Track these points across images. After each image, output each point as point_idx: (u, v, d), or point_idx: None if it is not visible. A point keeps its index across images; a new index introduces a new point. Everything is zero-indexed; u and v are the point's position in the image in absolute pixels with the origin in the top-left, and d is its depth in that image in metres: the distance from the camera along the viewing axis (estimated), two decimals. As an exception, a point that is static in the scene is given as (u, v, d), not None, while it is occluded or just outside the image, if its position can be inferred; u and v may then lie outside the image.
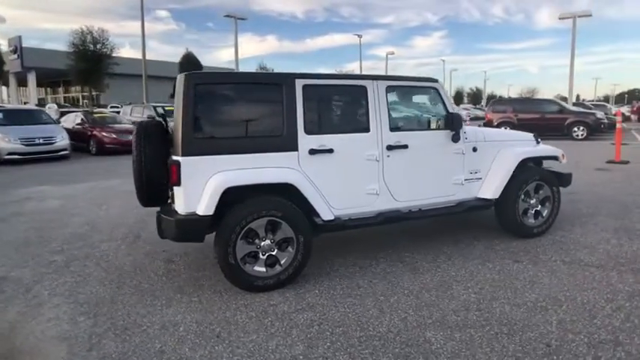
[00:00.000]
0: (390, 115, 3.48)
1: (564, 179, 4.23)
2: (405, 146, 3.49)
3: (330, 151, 3.24)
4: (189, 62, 26.26)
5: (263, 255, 3.10)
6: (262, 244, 3.08)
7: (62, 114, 15.82)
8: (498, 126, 16.10)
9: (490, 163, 3.93)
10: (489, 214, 4.20)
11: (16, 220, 5.23)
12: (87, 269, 3.64)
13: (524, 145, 4.19)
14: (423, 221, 4.53)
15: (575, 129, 15.39)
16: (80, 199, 6.44)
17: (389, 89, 3.50)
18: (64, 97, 44.18)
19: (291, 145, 3.15)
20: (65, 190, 7.24)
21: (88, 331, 2.61)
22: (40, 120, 12.06)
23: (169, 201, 3.39)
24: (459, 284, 3.14)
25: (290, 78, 3.19)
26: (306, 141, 3.19)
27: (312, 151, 3.20)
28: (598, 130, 15.45)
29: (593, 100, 41.03)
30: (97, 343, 2.48)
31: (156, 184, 3.24)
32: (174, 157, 2.95)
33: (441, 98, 3.74)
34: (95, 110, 17.81)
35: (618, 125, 9.32)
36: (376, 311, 2.77)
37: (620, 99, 73.74)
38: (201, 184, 2.95)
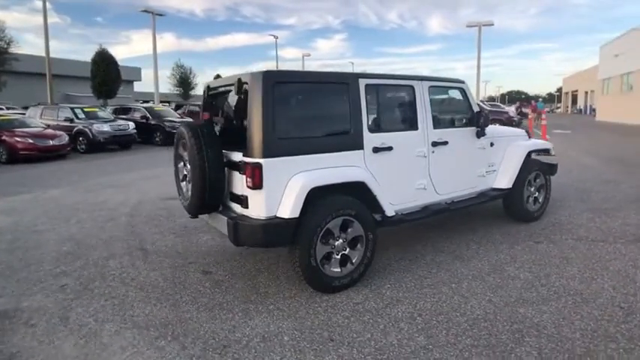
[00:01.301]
0: (432, 113, 3.72)
1: (554, 169, 4.94)
2: (446, 142, 3.77)
3: (390, 148, 3.36)
4: (104, 60, 23.51)
5: (337, 255, 3.10)
6: (336, 243, 3.08)
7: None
8: None
9: (502, 157, 4.42)
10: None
11: (-31, 243, 4.33)
12: (116, 290, 3.23)
13: (522, 139, 4.78)
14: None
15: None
16: (32, 214, 5.54)
17: (430, 89, 3.75)
18: None
19: (358, 144, 3.20)
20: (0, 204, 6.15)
21: (186, 355, 2.37)
22: None
23: (220, 208, 3.21)
24: (509, 266, 3.51)
25: (354, 77, 3.24)
26: (370, 139, 3.26)
27: (375, 149, 3.28)
28: (510, 126, 17.82)
29: (483, 101, 46.85)
30: (205, 365, 2.27)
31: (217, 189, 3.03)
32: (251, 159, 2.80)
33: (467, 97, 4.11)
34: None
35: (544, 122, 10.93)
36: (459, 297, 2.98)
37: (502, 99, 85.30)
38: (281, 187, 2.85)
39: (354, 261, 3.15)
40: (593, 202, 5.58)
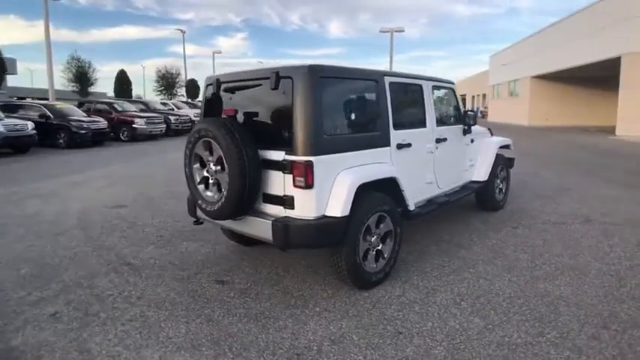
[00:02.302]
0: (435, 112, 3.98)
1: (512, 162, 5.62)
2: (445, 139, 4.06)
3: (409, 145, 3.51)
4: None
5: (372, 250, 3.14)
6: (372, 239, 3.12)
7: None
8: None
9: (478, 152, 4.90)
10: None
11: None
12: (128, 311, 2.82)
13: (488, 136, 5.35)
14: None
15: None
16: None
17: (433, 88, 4.00)
18: None
19: (385, 141, 3.28)
20: None
21: (263, 369, 2.20)
22: None
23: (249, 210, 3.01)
24: (506, 249, 3.92)
25: (380, 74, 3.31)
26: (394, 136, 3.36)
27: (399, 146, 3.40)
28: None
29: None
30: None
31: (255, 190, 2.84)
32: (302, 158, 2.69)
33: (456, 97, 4.47)
34: None
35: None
36: (484, 280, 3.25)
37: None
38: (329, 185, 2.79)
39: (385, 255, 3.22)
40: (533, 191, 6.48)
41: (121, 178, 8.07)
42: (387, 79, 3.35)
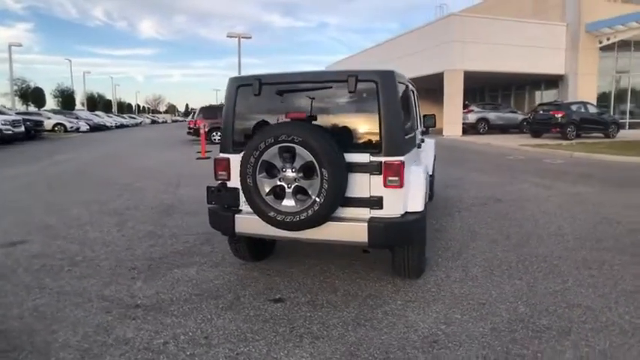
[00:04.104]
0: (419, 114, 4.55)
1: (435, 158, 6.69)
2: (423, 140, 4.68)
3: (422, 143, 3.98)
4: None
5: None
6: None
7: None
8: (211, 131, 18.09)
9: (428, 150, 5.71)
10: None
11: None
12: (225, 351, 2.40)
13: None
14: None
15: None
16: None
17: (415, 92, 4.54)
18: None
19: (416, 140, 3.66)
20: None
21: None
22: None
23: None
24: (478, 227, 4.78)
25: (407, 80, 3.65)
26: (417, 136, 3.77)
27: (419, 145, 3.83)
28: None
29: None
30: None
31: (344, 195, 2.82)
32: (393, 158, 2.82)
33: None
34: None
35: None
36: (501, 253, 3.97)
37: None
38: (408, 182, 2.99)
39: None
40: (444, 181, 7.81)
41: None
42: (410, 84, 3.73)
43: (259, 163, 2.83)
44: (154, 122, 60.72)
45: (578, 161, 11.02)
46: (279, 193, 2.90)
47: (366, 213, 2.92)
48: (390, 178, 2.83)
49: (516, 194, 6.67)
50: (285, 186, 2.87)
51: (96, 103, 58.16)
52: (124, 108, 75.10)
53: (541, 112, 17.10)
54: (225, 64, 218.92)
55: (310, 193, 2.80)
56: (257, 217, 3.01)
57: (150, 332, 2.63)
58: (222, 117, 3.25)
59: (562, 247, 4.12)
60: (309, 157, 2.72)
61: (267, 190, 2.89)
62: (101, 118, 35.82)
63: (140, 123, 49.92)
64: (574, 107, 16.51)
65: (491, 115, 20.45)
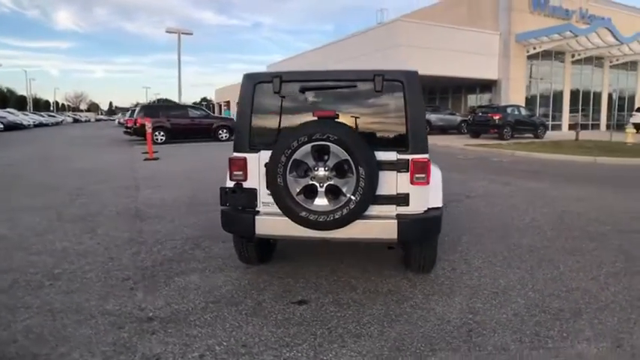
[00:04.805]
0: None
1: None
2: None
3: None
4: None
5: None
6: None
7: None
8: (154, 131, 17.10)
9: None
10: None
11: None
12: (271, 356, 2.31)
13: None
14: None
15: (220, 132, 19.00)
16: None
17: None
18: None
19: None
20: None
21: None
22: None
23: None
24: (473, 221, 5.06)
25: None
26: None
27: None
28: (236, 131, 19.81)
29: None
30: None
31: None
32: (421, 156, 2.92)
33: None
34: None
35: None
36: (516, 231, 4.23)
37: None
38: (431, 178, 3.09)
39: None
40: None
41: None
42: None
43: (290, 162, 2.76)
44: (76, 121, 55.89)
45: (520, 159, 12.08)
46: (310, 193, 2.86)
47: (392, 210, 2.97)
48: (418, 176, 2.92)
49: (481, 190, 7.15)
50: (317, 185, 2.84)
51: (6, 99, 52.19)
52: (41, 105, 68.33)
53: (480, 114, 18.48)
54: (151, 60, 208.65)
55: (345, 191, 2.79)
56: (279, 218, 2.95)
57: (179, 346, 2.45)
58: (237, 114, 3.13)
59: (542, 238, 4.51)
60: (344, 156, 2.72)
61: (297, 189, 2.83)
62: (16, 115, 32.28)
63: (61, 122, 45.66)
64: (509, 110, 18.07)
65: (433, 117, 21.62)
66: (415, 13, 26.91)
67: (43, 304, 2.97)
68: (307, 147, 2.75)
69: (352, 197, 2.75)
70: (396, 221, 2.89)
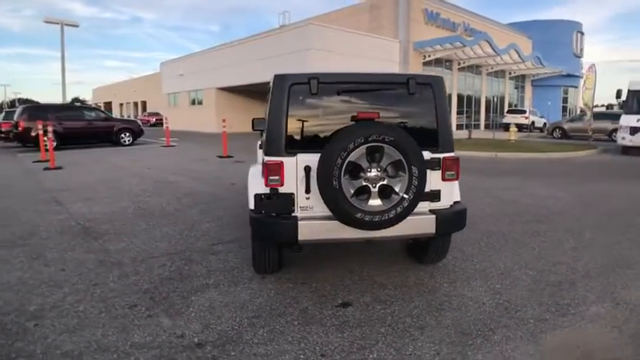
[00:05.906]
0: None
1: None
2: None
3: None
4: None
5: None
6: None
7: None
8: (44, 135, 14.98)
9: None
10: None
11: None
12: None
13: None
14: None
15: (123, 135, 17.26)
16: None
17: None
18: None
19: None
20: None
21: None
22: None
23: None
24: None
25: None
26: None
27: None
28: (141, 135, 18.12)
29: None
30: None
31: None
32: (451, 154, 3.18)
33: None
34: None
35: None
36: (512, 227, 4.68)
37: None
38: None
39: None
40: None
41: None
42: None
43: (345, 164, 2.77)
44: None
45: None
46: (362, 194, 2.90)
47: (425, 206, 3.17)
48: (449, 172, 3.17)
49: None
50: (370, 186, 2.89)
51: None
52: None
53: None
54: (5, 54, 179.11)
55: (398, 190, 2.89)
56: (321, 222, 2.95)
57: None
58: (270, 117, 3.00)
59: (503, 223, 5.17)
60: (398, 156, 2.84)
61: (352, 191, 2.86)
62: None
63: None
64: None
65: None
66: (319, 17, 27.85)
67: (47, 348, 2.48)
68: (362, 148, 2.79)
69: (405, 196, 2.87)
70: (434, 216, 3.10)
